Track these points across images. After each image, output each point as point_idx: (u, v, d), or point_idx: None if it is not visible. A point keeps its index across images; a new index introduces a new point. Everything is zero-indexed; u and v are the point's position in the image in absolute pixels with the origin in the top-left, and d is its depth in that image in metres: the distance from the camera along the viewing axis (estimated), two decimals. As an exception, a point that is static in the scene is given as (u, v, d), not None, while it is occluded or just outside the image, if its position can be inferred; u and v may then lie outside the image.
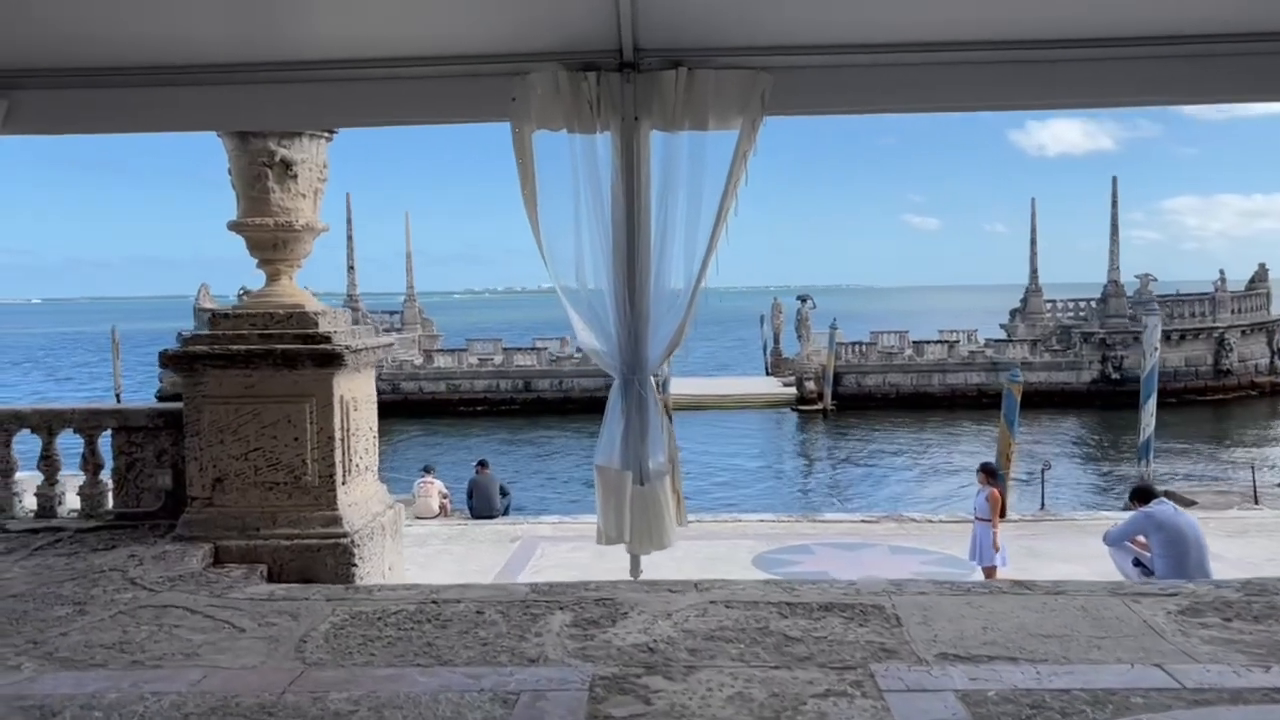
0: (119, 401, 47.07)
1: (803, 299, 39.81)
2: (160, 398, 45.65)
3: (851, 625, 4.52)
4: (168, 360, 6.00)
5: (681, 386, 40.92)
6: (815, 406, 36.46)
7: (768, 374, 46.96)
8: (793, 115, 6.00)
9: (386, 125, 5.89)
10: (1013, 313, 47.50)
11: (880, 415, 36.32)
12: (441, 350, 41.34)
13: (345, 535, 6.04)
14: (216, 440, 6.07)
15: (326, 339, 6.09)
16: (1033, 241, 47.57)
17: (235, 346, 6.02)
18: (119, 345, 49.03)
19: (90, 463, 6.66)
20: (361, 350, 6.27)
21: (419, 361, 40.18)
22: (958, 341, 40.23)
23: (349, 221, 39.33)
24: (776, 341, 45.75)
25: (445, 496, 15.27)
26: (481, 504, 14.74)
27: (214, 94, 5.63)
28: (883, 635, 4.38)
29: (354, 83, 5.63)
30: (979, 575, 11.02)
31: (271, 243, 6.28)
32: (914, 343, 39.86)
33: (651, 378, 5.80)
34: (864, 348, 39.26)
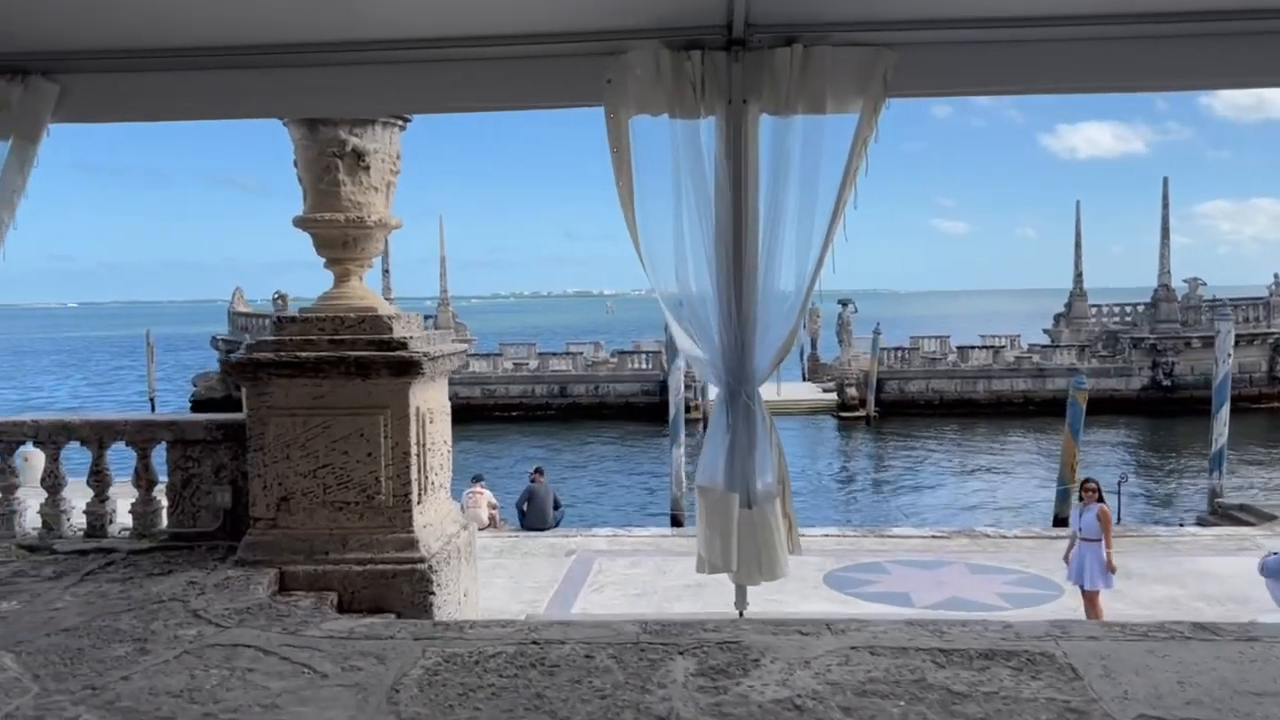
0: (153, 405, 47.09)
1: (844, 303, 39.05)
2: (194, 403, 45.61)
3: (1022, 678, 3.91)
4: (231, 368, 5.50)
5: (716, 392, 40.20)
6: (858, 413, 35.68)
7: (804, 379, 46.21)
8: (917, 97, 5.42)
9: (467, 111, 5.35)
10: (1056, 317, 46.44)
11: (924, 422, 35.48)
12: (476, 354, 40.94)
13: (422, 560, 5.50)
14: (282, 456, 5.55)
15: (402, 345, 5.56)
16: (1077, 245, 46.51)
17: (303, 354, 5.50)
18: (154, 349, 49.11)
19: (143, 478, 6.17)
20: (439, 357, 5.73)
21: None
22: (1003, 347, 39.30)
23: (384, 225, 39.19)
24: (814, 346, 44.99)
25: (494, 507, 14.76)
26: (535, 515, 14.20)
27: (279, 78, 5.12)
28: (1063, 691, 3.75)
29: (432, 64, 5.10)
30: (1068, 598, 10.33)
31: (341, 240, 5.75)
32: (957, 348, 39.00)
33: (759, 389, 5.23)
34: (906, 353, 38.44)
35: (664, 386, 39.39)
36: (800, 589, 10.94)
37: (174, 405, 47.00)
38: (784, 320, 4.92)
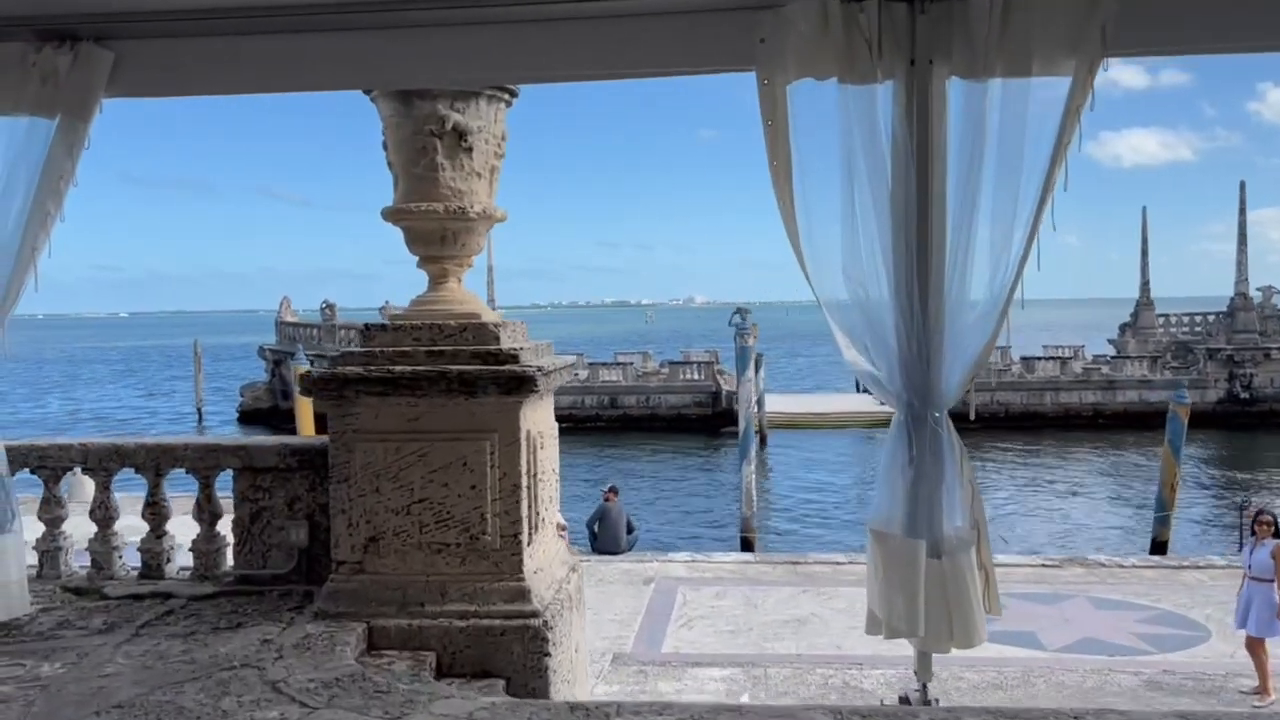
0: (200, 416, 46.89)
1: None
2: (241, 414, 45.35)
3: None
4: (313, 385, 4.64)
5: (775, 404, 39.17)
6: (920, 426, 34.34)
7: (858, 390, 44.93)
8: (1141, 56, 4.47)
9: (591, 79, 4.47)
10: (1122, 327, 44.81)
11: (990, 435, 34.05)
12: (525, 365, 40.25)
13: (535, 614, 4.60)
14: (370, 488, 4.68)
15: (512, 357, 4.67)
16: (1144, 253, 44.85)
17: (397, 368, 4.63)
18: (201, 359, 49.06)
19: (206, 511, 5.34)
20: (552, 372, 4.83)
21: (502, 377, 39.11)
22: (1070, 358, 37.79)
23: (432, 234, 38.66)
24: (869, 357, 43.71)
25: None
26: (607, 537, 13.28)
27: (360, 42, 4.25)
28: None
29: (549, 25, 4.22)
30: (1218, 641, 9.20)
31: (439, 234, 4.88)
32: (1022, 359, 37.55)
33: (947, 412, 4.27)
34: (969, 364, 37.03)
35: (716, 398, 38.39)
36: (911, 626, 9.89)
37: (221, 416, 46.85)
38: (978, 327, 3.98)
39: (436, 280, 5.04)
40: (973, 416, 4.62)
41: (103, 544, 5.38)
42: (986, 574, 4.15)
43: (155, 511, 5.37)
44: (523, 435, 4.69)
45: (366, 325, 4.84)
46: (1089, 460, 30.86)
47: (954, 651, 4.07)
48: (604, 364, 40.31)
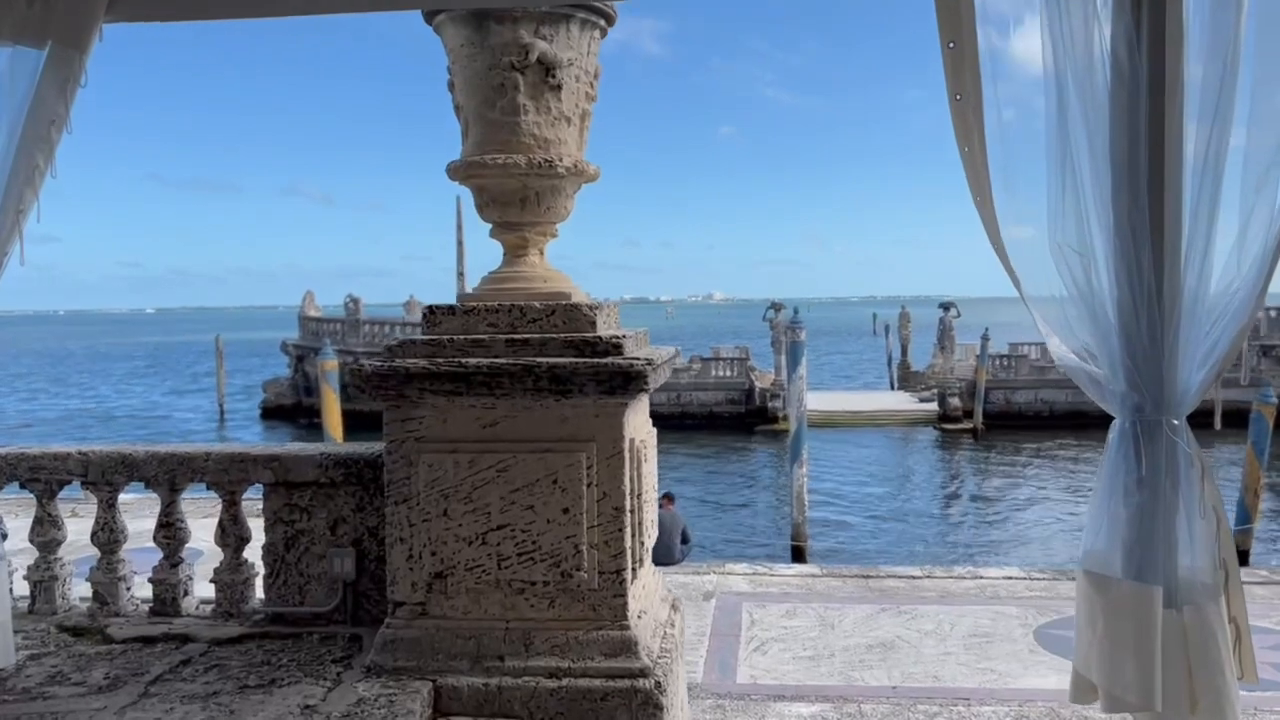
0: (222, 413, 46.16)
1: (946, 306, 36.56)
2: (264, 409, 44.62)
3: None
4: (366, 382, 3.68)
5: (810, 402, 38.01)
6: (962, 425, 33.17)
7: (892, 388, 43.77)
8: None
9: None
10: (1167, 323, 43.33)
11: (1033, 435, 32.87)
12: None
13: (644, 672, 3.62)
14: (437, 511, 3.72)
15: (614, 347, 3.69)
16: (1189, 245, 43.28)
17: (471, 360, 3.67)
18: (223, 354, 48.43)
19: (230, 534, 4.40)
20: (660, 366, 3.85)
21: (529, 373, 38.16)
22: (1117, 354, 36.43)
23: (459, 226, 37.60)
24: (904, 353, 42.53)
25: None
26: (661, 547, 12.26)
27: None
28: None
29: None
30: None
31: (519, 194, 3.91)
32: (1068, 356, 36.25)
33: (1182, 419, 3.29)
34: (1013, 360, 35.79)
35: (749, 395, 37.30)
36: (1012, 651, 8.88)
37: (243, 413, 46.23)
38: (1230, 314, 2.99)
39: (514, 252, 4.06)
40: (1218, 426, 3.58)
41: (107, 573, 4.45)
42: (1238, 628, 3.16)
43: (170, 534, 4.44)
44: (626, 445, 3.72)
45: (431, 308, 3.87)
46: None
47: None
48: (633, 360, 39.27)
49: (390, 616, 3.78)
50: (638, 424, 3.93)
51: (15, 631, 4.00)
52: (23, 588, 4.57)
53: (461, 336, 3.77)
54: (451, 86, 4.03)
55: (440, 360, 3.69)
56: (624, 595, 3.71)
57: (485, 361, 3.65)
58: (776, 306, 36.30)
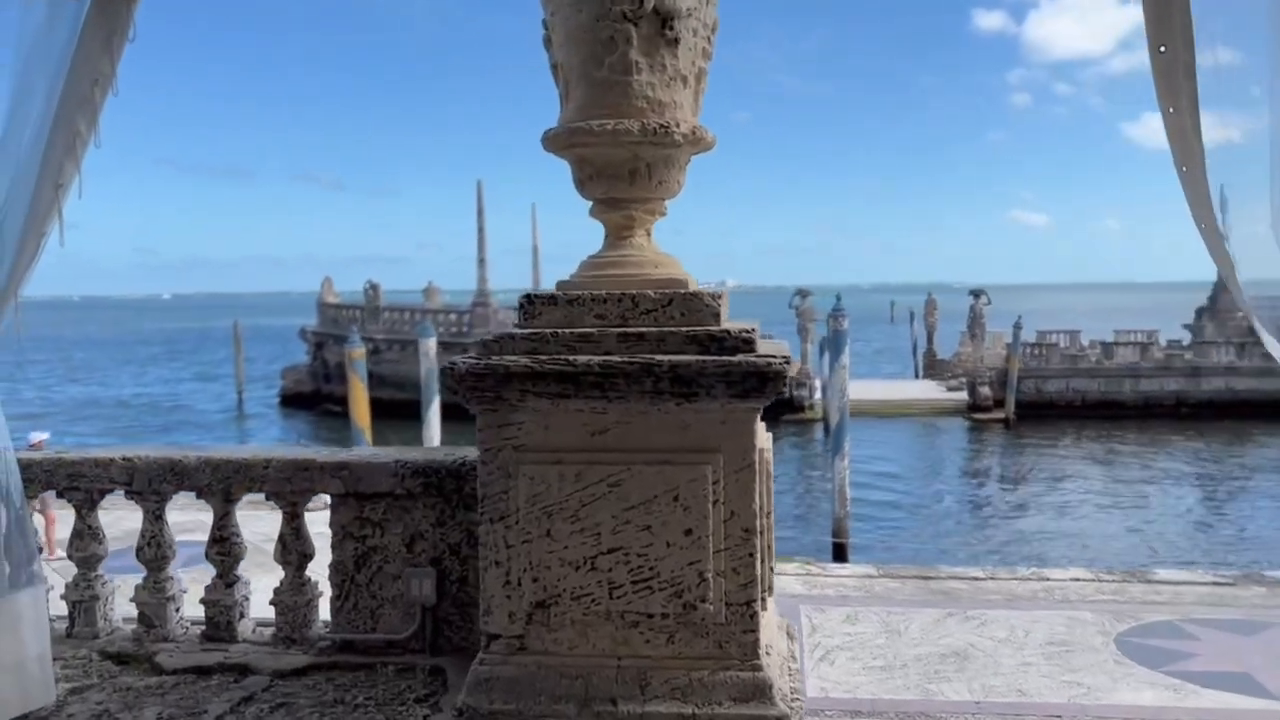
0: (241, 401, 45.85)
1: (976, 294, 35.81)
2: (282, 397, 44.30)
3: None
4: (460, 381, 3.18)
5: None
6: (993, 415, 32.50)
7: (917, 376, 43.09)
8: None
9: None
10: (1199, 311, 42.48)
11: (1066, 425, 32.18)
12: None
13: (780, 719, 3.13)
14: (539, 530, 3.23)
15: (744, 342, 3.18)
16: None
17: (580, 357, 3.16)
18: (241, 341, 48.13)
19: (292, 549, 3.92)
20: (789, 363, 3.33)
21: (550, 361, 37.60)
22: (1151, 343, 35.69)
23: (480, 212, 37.06)
24: (930, 341, 41.81)
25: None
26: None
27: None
28: None
29: None
30: None
31: (629, 165, 3.39)
32: (1101, 344, 35.51)
33: None
34: (1044, 349, 35.07)
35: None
36: (1096, 661, 8.35)
37: (262, 400, 45.93)
38: None
39: (619, 233, 3.55)
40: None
41: (154, 592, 3.98)
42: None
43: (224, 549, 3.96)
44: (757, 456, 3.22)
45: (529, 297, 3.37)
46: (1186, 453, 28.89)
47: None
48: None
49: (484, 651, 3.29)
50: (760, 431, 3.42)
51: (54, 658, 3.54)
52: (57, 605, 4.12)
53: (566, 330, 3.27)
54: (548, 42, 3.51)
55: (543, 357, 3.19)
56: (755, 630, 3.21)
57: (597, 359, 3.15)
58: (803, 293, 35.63)
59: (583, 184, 3.53)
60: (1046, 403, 33.80)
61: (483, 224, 36.69)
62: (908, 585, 10.73)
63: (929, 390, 37.67)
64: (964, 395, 34.23)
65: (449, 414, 21.87)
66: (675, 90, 3.41)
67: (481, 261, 36.69)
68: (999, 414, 32.40)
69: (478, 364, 3.19)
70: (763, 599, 3.29)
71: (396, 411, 28.37)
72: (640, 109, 3.35)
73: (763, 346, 3.28)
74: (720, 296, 3.34)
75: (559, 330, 3.27)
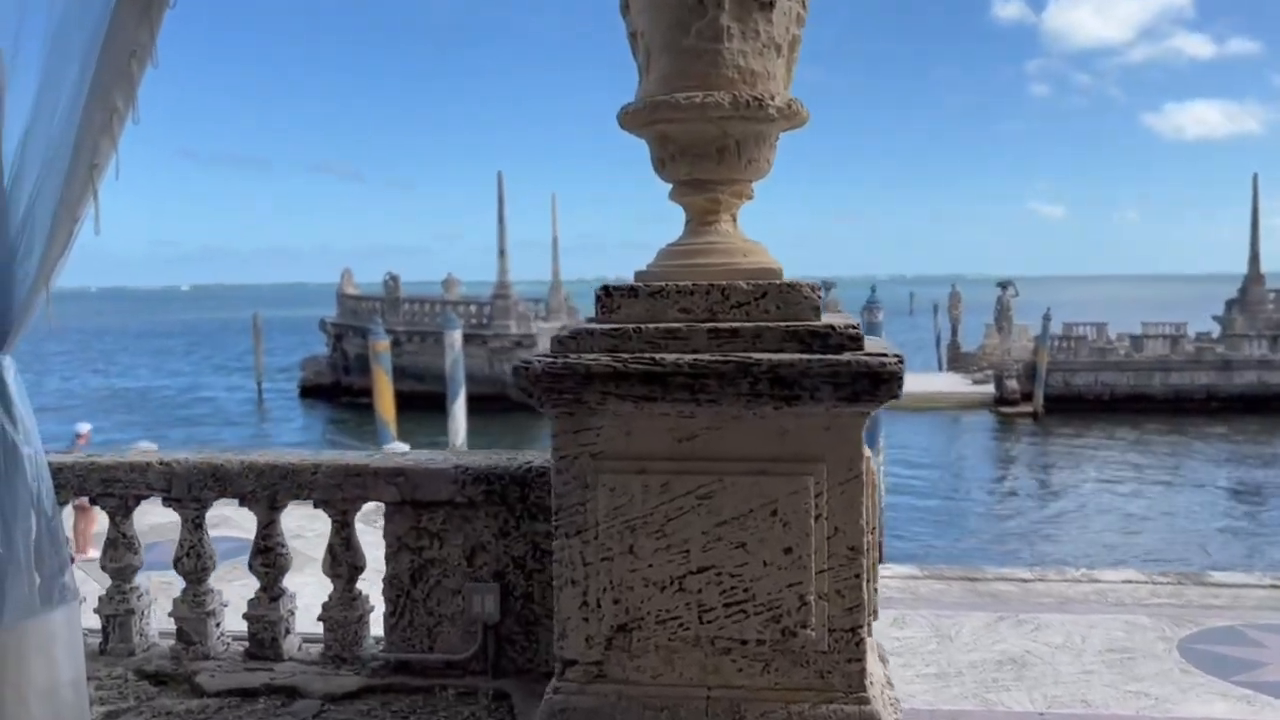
0: (260, 393, 45.80)
1: (1004, 285, 35.29)
2: (302, 389, 44.22)
3: None
4: (533, 382, 2.87)
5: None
6: (1021, 409, 32.03)
7: (940, 369, 42.62)
8: None
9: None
10: (1229, 303, 41.80)
11: (1095, 419, 31.67)
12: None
13: (889, 758, 2.82)
14: (621, 547, 2.92)
15: (851, 339, 2.86)
16: (1253, 224, 41.75)
17: (668, 356, 2.85)
18: (261, 332, 48.08)
19: (342, 561, 3.63)
20: (903, 363, 3.00)
21: (571, 353, 37.31)
22: (1181, 336, 35.10)
23: (500, 203, 36.80)
24: (954, 333, 41.32)
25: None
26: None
27: None
28: None
29: None
30: None
31: (717, 143, 3.07)
32: (1130, 337, 34.95)
33: None
34: (1072, 342, 34.53)
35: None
36: (1160, 670, 8.01)
37: (282, 392, 45.89)
38: None
39: (702, 218, 3.23)
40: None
41: (194, 607, 3.70)
42: None
43: (269, 561, 3.67)
44: (864, 468, 2.90)
45: (607, 289, 3.06)
46: (1222, 448, 28.33)
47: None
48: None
49: (558, 678, 2.99)
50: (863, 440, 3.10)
51: (88, 678, 3.26)
52: (90, 619, 3.85)
53: (651, 325, 2.95)
54: (625, 8, 3.19)
55: (626, 356, 2.88)
56: (861, 660, 2.89)
57: (687, 358, 2.83)
58: (827, 285, 35.22)
59: (663, 164, 3.20)
60: (1075, 396, 33.28)
61: (503, 215, 36.42)
62: (954, 587, 10.37)
63: (955, 383, 37.20)
64: (990, 388, 33.76)
65: (473, 407, 21.65)
66: (768, 59, 3.08)
67: (502, 253, 36.43)
68: (1027, 407, 31.92)
69: (555, 363, 2.88)
70: (868, 624, 2.97)
71: (417, 403, 28.18)
72: (731, 80, 3.02)
73: (868, 344, 2.96)
74: (819, 288, 3.02)
75: (642, 326, 2.95)
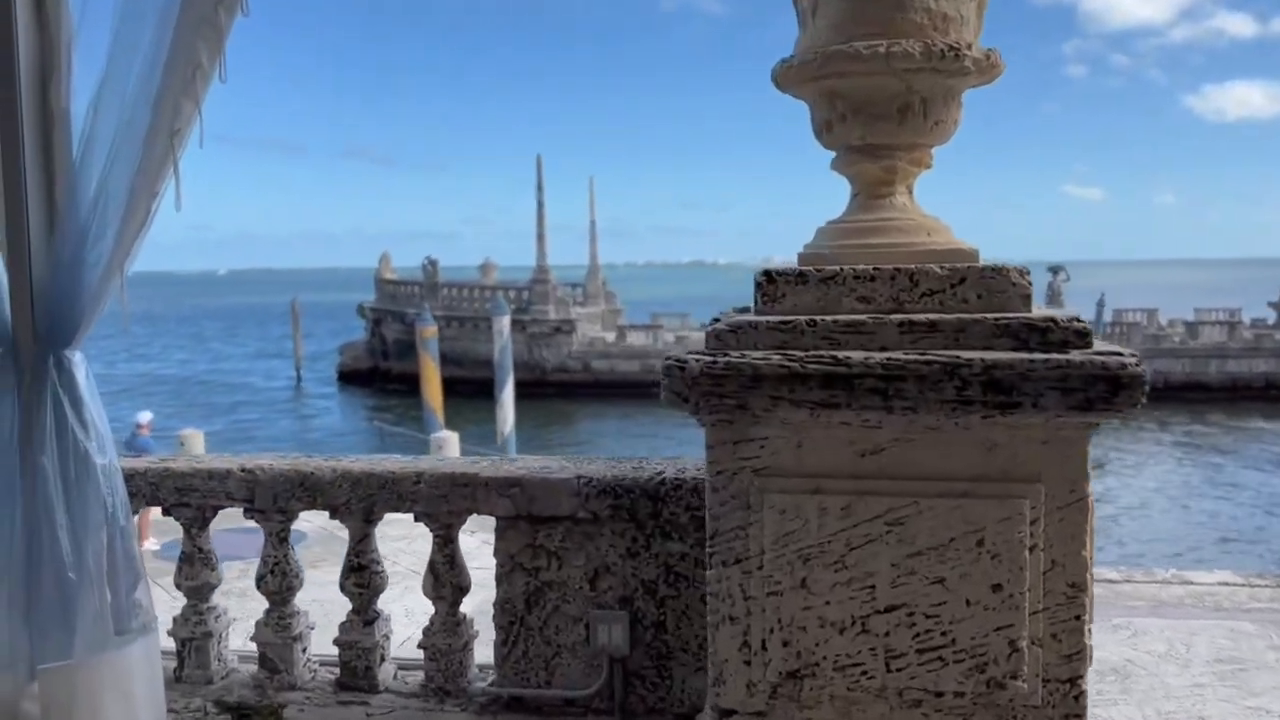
0: (299, 379, 45.78)
1: (1055, 270, 34.35)
2: (341, 374, 44.16)
3: None
4: (689, 385, 2.42)
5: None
6: (1073, 397, 31.16)
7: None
8: None
9: None
10: (1287, 289, 40.53)
11: (1151, 408, 30.71)
12: (635, 326, 38.07)
13: (1117, 835, 2.34)
14: (791, 580, 2.47)
15: (1079, 334, 2.38)
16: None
17: (851, 354, 2.38)
18: (299, 317, 48.15)
19: (446, 582, 3.21)
20: (1141, 365, 2.51)
21: (611, 338, 37.02)
22: (1238, 322, 34.04)
23: (539, 187, 36.36)
24: (1000, 320, 40.35)
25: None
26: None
27: None
28: None
29: None
30: None
31: (899, 100, 2.59)
32: (1185, 324, 33.95)
33: None
34: (1124, 328, 33.60)
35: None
36: (1273, 681, 7.46)
37: (320, 377, 45.92)
38: None
39: (874, 190, 2.75)
40: None
41: (279, 630, 3.30)
42: None
43: (363, 580, 3.26)
44: (1087, 489, 2.42)
45: (769, 274, 2.60)
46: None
47: None
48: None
49: (716, 730, 2.55)
50: (1072, 449, 2.61)
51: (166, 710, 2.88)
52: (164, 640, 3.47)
53: (827, 318, 2.48)
54: (787, -55, 2.71)
55: (799, 353, 2.41)
56: (1081, 716, 2.43)
57: (878, 357, 2.36)
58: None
59: (828, 128, 2.73)
60: (1129, 385, 32.26)
61: (542, 199, 36.00)
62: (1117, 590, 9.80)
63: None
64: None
65: (519, 394, 21.33)
66: (961, 2, 2.59)
67: (540, 237, 36.02)
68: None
69: (715, 363, 2.42)
70: (1086, 673, 2.50)
71: (458, 389, 27.92)
72: (919, 25, 2.54)
73: (1111, 345, 2.47)
74: (1028, 273, 2.54)
75: (816, 318, 2.49)
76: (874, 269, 2.54)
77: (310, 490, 3.19)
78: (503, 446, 17.45)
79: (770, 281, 2.59)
